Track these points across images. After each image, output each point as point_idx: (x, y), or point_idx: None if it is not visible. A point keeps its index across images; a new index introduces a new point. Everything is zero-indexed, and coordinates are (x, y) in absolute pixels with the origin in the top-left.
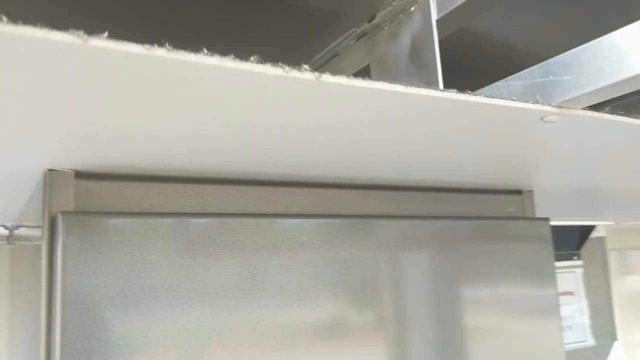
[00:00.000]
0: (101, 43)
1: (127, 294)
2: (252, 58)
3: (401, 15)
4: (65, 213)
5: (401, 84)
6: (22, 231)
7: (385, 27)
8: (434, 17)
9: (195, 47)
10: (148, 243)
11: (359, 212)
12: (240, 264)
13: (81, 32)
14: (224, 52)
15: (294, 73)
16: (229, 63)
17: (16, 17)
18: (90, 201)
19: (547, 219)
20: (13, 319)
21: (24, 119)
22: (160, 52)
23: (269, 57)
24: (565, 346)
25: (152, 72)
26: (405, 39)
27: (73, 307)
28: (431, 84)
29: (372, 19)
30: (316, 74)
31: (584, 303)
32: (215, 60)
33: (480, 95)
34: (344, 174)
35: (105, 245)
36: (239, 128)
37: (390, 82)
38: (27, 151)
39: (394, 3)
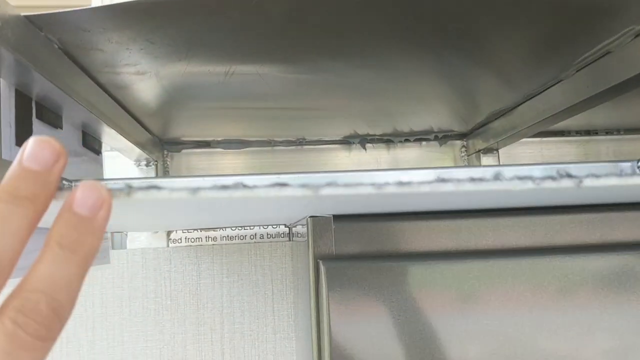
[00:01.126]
0: None
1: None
2: None
3: None
4: (325, 260)
5: None
6: (298, 228)
7: None
8: None
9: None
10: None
11: None
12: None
13: None
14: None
15: None
16: None
17: None
18: (349, 243)
19: None
20: (296, 306)
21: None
22: None
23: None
24: None
25: None
26: None
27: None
28: None
29: None
30: None
31: None
32: None
33: None
34: None
35: (365, 289)
36: None
37: None
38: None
39: None
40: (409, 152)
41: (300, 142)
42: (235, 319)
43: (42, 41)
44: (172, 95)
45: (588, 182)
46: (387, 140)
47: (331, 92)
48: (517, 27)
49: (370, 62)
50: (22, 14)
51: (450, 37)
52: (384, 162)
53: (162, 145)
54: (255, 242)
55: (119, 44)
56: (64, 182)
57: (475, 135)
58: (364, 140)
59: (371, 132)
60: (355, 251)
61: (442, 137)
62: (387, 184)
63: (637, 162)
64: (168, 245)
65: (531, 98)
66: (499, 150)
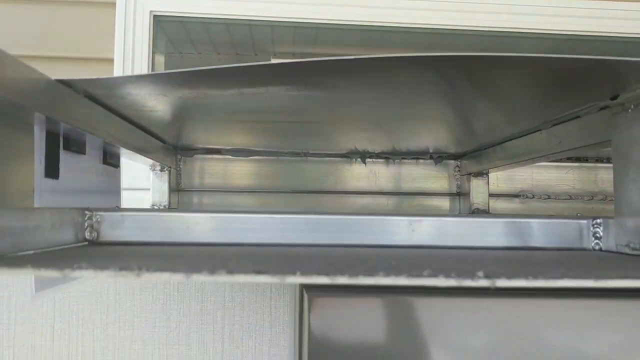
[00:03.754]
0: None
1: None
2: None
3: None
4: (309, 288)
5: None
6: None
7: (630, 109)
8: None
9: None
10: None
11: None
12: None
13: None
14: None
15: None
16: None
17: None
18: None
19: None
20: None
21: None
22: None
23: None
24: None
25: None
26: None
27: None
28: None
29: (615, 97)
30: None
31: None
32: None
33: None
34: None
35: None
36: None
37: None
38: None
39: (638, 90)
40: (407, 169)
41: (305, 154)
42: (236, 312)
43: (69, 93)
44: (185, 112)
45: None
46: (386, 157)
47: (335, 109)
48: (516, 86)
49: (377, 83)
50: (54, 78)
51: (461, 78)
52: (382, 177)
53: (175, 151)
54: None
55: (138, 95)
56: (86, 212)
57: (469, 158)
58: (364, 156)
59: (370, 149)
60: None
61: (437, 157)
62: None
63: (592, 221)
64: None
65: (517, 138)
66: (489, 174)
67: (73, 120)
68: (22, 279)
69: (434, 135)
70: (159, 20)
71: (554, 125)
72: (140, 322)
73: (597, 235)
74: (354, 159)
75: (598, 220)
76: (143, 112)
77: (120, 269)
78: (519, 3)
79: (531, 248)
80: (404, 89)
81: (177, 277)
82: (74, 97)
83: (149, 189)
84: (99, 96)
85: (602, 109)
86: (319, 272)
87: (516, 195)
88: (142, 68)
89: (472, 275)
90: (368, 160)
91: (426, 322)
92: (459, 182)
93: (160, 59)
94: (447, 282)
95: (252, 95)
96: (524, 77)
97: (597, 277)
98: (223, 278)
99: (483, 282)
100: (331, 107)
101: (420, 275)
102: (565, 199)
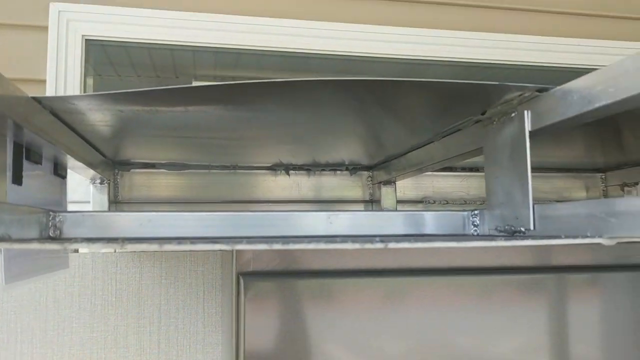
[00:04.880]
0: None
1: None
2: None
3: (505, 116)
4: (244, 274)
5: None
6: None
7: (495, 122)
8: (527, 128)
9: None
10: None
11: None
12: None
13: None
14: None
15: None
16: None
17: None
18: (265, 262)
19: None
20: (223, 305)
21: None
22: None
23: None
24: None
25: None
26: (506, 137)
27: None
28: (521, 186)
29: (484, 112)
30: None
31: None
32: None
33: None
34: None
35: (278, 300)
36: None
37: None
38: None
39: (499, 107)
40: (326, 179)
41: (234, 167)
42: (171, 314)
43: (38, 109)
44: (123, 127)
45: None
46: (307, 169)
47: (262, 127)
48: (413, 104)
49: (299, 104)
50: (30, 95)
51: (372, 98)
52: (304, 186)
53: (114, 165)
54: (191, 251)
55: (96, 110)
56: (51, 212)
57: (379, 169)
58: (287, 168)
59: (293, 162)
60: (269, 269)
61: (352, 168)
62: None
63: (471, 212)
64: (115, 251)
65: (416, 149)
66: (397, 183)
67: (42, 133)
68: None
69: (348, 148)
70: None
71: (444, 137)
72: (78, 327)
73: (475, 223)
74: (279, 171)
75: (475, 212)
76: (92, 127)
77: (108, 241)
78: (432, 34)
79: (425, 234)
80: (320, 108)
81: (153, 247)
82: (42, 112)
83: (87, 202)
84: (59, 112)
85: (476, 122)
86: (260, 242)
87: (420, 201)
88: (75, 89)
89: (372, 241)
90: (291, 171)
91: (343, 301)
92: (371, 191)
93: (89, 81)
94: (353, 246)
95: (181, 114)
96: (419, 97)
97: (458, 240)
98: (188, 247)
99: (379, 245)
100: (256, 125)
101: (334, 241)
102: (461, 204)
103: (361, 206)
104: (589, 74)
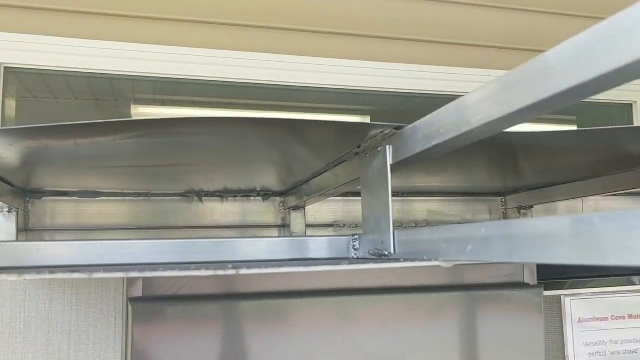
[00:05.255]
0: None
1: None
2: None
3: (374, 150)
4: (133, 300)
5: None
6: None
7: (367, 155)
8: (389, 161)
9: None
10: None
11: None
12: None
13: None
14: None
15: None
16: None
17: None
18: (154, 288)
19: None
20: None
21: None
22: None
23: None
24: None
25: None
26: (375, 168)
27: None
28: (385, 213)
29: (359, 146)
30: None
31: None
32: None
33: None
34: None
35: (165, 324)
36: None
37: None
38: None
39: (369, 142)
40: (239, 205)
41: (147, 195)
42: (82, 340)
43: None
44: (31, 158)
45: (243, 272)
46: (219, 195)
47: (171, 155)
48: (310, 137)
49: (211, 135)
50: None
51: (275, 133)
52: (217, 213)
53: (24, 194)
54: (102, 277)
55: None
56: None
57: (290, 194)
58: (200, 195)
59: (206, 189)
60: (159, 294)
61: (264, 194)
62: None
63: (352, 237)
64: (24, 278)
65: (316, 177)
66: (306, 208)
67: None
68: None
69: (260, 175)
70: (11, 72)
71: (335, 166)
72: None
73: (355, 247)
74: (192, 198)
75: (356, 236)
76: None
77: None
78: (377, 67)
79: (309, 259)
80: (232, 139)
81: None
82: None
83: None
84: None
85: (356, 154)
86: (117, 270)
87: (330, 225)
88: None
89: (225, 267)
90: (204, 198)
91: (220, 322)
92: (283, 215)
93: (12, 103)
94: (207, 273)
95: (91, 145)
96: (315, 132)
97: (307, 264)
98: (47, 276)
99: (231, 271)
100: (168, 153)
101: (188, 269)
102: None
103: (275, 231)
104: (429, 115)
